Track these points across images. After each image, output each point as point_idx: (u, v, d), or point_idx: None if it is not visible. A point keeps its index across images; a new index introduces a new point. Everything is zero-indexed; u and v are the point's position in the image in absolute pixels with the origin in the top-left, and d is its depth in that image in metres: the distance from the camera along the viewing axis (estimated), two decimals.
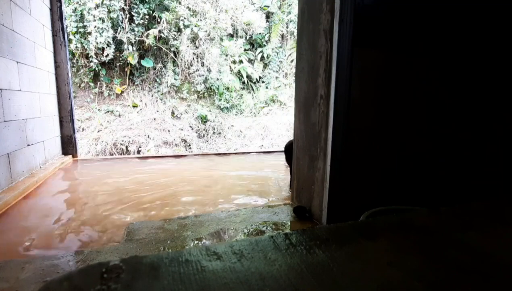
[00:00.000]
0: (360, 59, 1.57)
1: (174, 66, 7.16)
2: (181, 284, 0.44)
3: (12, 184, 2.53)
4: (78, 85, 6.55)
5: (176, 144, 6.35)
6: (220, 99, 7.45)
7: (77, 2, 6.16)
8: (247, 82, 7.95)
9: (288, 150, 2.57)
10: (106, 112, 6.47)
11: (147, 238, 1.61)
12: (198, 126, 6.84)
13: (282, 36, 8.34)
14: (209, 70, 7.28)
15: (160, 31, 6.78)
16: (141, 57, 6.91)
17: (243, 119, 7.46)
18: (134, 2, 6.57)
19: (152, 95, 6.96)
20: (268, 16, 8.25)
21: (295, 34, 7.04)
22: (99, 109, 6.44)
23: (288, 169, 2.60)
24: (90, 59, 6.35)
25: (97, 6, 6.18)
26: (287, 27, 8.29)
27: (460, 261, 0.53)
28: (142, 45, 6.82)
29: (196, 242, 1.59)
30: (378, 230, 0.64)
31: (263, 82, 8.21)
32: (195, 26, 7.03)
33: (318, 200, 1.77)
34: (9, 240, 1.82)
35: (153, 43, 6.74)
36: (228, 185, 2.83)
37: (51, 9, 3.57)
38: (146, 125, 6.40)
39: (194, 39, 7.23)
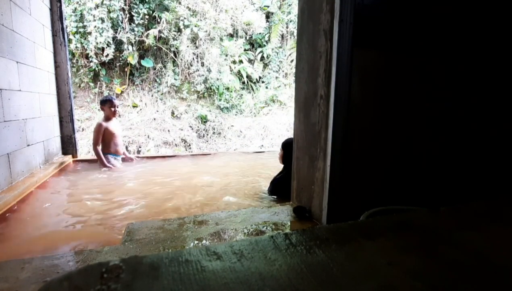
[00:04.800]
0: (360, 59, 1.57)
1: (174, 66, 7.16)
2: (181, 284, 0.44)
3: (12, 184, 2.53)
4: (78, 85, 6.55)
5: (176, 145, 6.35)
6: (220, 99, 7.45)
7: (77, 2, 6.16)
8: (247, 82, 7.95)
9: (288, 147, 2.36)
10: None
11: (147, 238, 1.61)
12: (198, 126, 6.84)
13: (282, 36, 8.33)
14: (209, 70, 7.28)
15: (160, 31, 6.78)
16: (141, 57, 6.91)
17: (243, 119, 7.45)
18: (134, 2, 6.57)
19: (152, 95, 6.96)
20: (268, 16, 8.25)
21: (295, 34, 7.04)
22: (99, 110, 6.44)
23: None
24: (90, 59, 6.35)
25: (97, 6, 6.18)
26: (287, 27, 8.29)
27: (460, 261, 0.53)
28: (142, 45, 6.82)
29: (196, 242, 1.59)
30: (378, 230, 0.64)
31: (263, 82, 8.21)
32: (195, 26, 7.02)
33: (318, 200, 1.77)
34: (9, 239, 1.82)
35: (153, 43, 6.74)
36: None
37: (51, 9, 3.57)
38: (146, 125, 6.40)
39: (194, 39, 7.22)
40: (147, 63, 6.87)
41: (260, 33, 8.07)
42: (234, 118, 7.40)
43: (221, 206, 2.36)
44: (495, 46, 1.84)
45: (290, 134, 7.09)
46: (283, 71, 8.39)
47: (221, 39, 7.58)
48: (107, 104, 3.63)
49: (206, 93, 7.39)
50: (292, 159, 2.14)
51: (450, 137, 1.85)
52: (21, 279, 1.22)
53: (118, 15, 6.36)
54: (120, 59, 6.66)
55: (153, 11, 6.75)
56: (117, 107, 3.74)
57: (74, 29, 6.18)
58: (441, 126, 1.82)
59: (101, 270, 0.45)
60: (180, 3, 6.94)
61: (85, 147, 5.75)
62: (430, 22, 1.68)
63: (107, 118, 3.65)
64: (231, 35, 7.86)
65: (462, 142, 1.89)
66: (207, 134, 6.86)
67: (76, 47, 6.24)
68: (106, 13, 6.25)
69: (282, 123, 7.40)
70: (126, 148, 5.95)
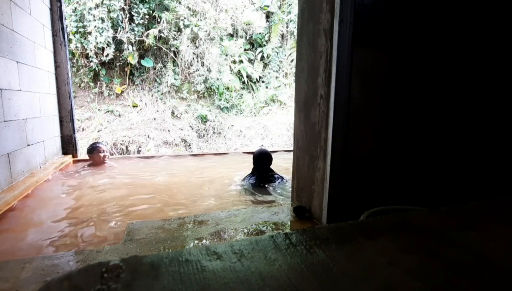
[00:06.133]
0: (360, 59, 1.57)
1: (174, 66, 7.16)
2: (181, 284, 0.44)
3: (12, 184, 2.53)
4: (78, 85, 6.55)
5: (176, 144, 6.35)
6: (220, 99, 7.45)
7: (77, 2, 6.16)
8: (247, 82, 7.95)
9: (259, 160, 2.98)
10: (106, 112, 6.47)
11: (147, 237, 1.61)
12: (198, 126, 6.84)
13: (282, 36, 8.33)
14: (209, 70, 7.28)
15: (160, 31, 6.78)
16: (141, 57, 6.91)
17: (243, 119, 7.45)
18: (134, 2, 6.56)
19: (152, 95, 6.96)
20: (268, 16, 8.24)
21: (295, 34, 7.04)
22: (99, 109, 6.44)
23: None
24: (90, 59, 6.35)
25: (97, 6, 6.17)
26: (287, 27, 8.29)
27: (460, 261, 0.53)
28: (142, 45, 6.82)
29: (196, 241, 1.59)
30: (378, 230, 0.64)
31: (263, 82, 8.21)
32: (195, 26, 7.02)
33: (318, 200, 1.77)
34: (9, 239, 1.82)
35: (153, 43, 6.74)
36: None
37: (51, 9, 3.57)
38: (146, 125, 6.40)
39: (194, 39, 7.22)
40: (147, 63, 6.87)
41: (260, 33, 8.06)
42: (234, 118, 7.40)
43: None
44: (496, 46, 1.84)
45: (290, 134, 7.11)
46: (283, 71, 8.39)
47: (221, 39, 7.58)
48: (94, 151, 3.45)
49: (206, 93, 7.39)
50: (293, 158, 2.15)
51: (450, 137, 1.85)
52: (21, 279, 1.23)
53: (118, 15, 6.36)
54: (120, 59, 6.66)
55: (153, 11, 6.75)
56: (106, 152, 3.52)
57: (74, 29, 6.18)
58: (441, 126, 1.82)
59: (101, 270, 0.45)
60: (180, 3, 6.94)
61: (85, 146, 5.73)
62: (430, 21, 1.68)
63: (93, 165, 3.45)
64: (231, 35, 7.86)
65: (462, 142, 1.89)
66: (207, 134, 6.86)
67: (76, 47, 6.24)
68: (106, 13, 6.25)
69: (282, 123, 7.39)
70: (126, 147, 5.96)
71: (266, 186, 2.78)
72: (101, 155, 3.47)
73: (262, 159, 2.98)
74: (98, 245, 1.70)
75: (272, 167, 3.04)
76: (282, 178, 2.92)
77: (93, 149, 3.51)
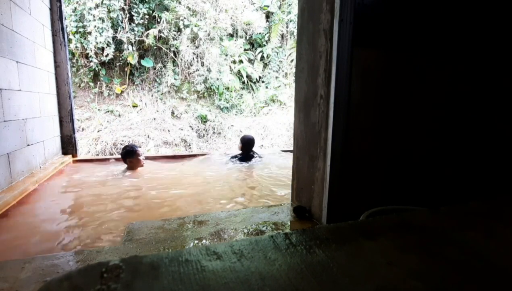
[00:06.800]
0: (360, 59, 1.57)
1: (174, 66, 7.16)
2: (181, 284, 0.44)
3: (12, 184, 2.53)
4: (78, 85, 6.54)
5: (176, 144, 6.35)
6: (220, 99, 7.45)
7: (77, 2, 6.15)
8: (247, 82, 7.95)
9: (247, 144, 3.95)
10: (106, 112, 6.47)
11: (147, 237, 1.61)
12: (198, 126, 6.84)
13: (282, 36, 8.33)
14: (209, 70, 7.28)
15: (160, 31, 6.78)
16: (141, 57, 6.91)
17: (243, 119, 7.45)
18: (134, 1, 6.56)
19: (152, 95, 6.96)
20: (268, 16, 8.24)
21: (295, 34, 7.03)
22: (99, 109, 6.43)
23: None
24: (90, 59, 6.34)
25: (97, 6, 6.17)
26: (287, 27, 8.29)
27: (460, 261, 0.53)
28: (142, 45, 6.82)
29: (196, 241, 1.59)
30: (378, 230, 0.64)
31: (263, 82, 8.20)
32: (195, 26, 7.02)
33: (318, 200, 1.77)
34: (9, 239, 1.82)
35: (153, 43, 6.73)
36: None
37: (51, 9, 3.57)
38: (146, 125, 6.39)
39: (194, 39, 7.22)
40: (147, 63, 6.86)
41: (260, 33, 8.06)
42: (234, 118, 7.40)
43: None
44: (498, 45, 1.84)
45: (290, 134, 7.10)
46: (283, 71, 8.39)
47: (221, 39, 7.58)
48: (135, 155, 3.27)
49: (206, 93, 7.38)
50: (292, 158, 2.15)
51: (451, 137, 1.85)
52: (21, 279, 1.23)
53: (118, 15, 6.36)
54: (120, 59, 6.66)
55: (153, 11, 6.75)
56: (143, 154, 3.40)
57: (74, 29, 6.17)
58: (442, 126, 1.82)
59: (101, 270, 0.45)
60: (180, 3, 6.94)
61: (85, 146, 5.75)
62: (430, 21, 1.68)
63: (130, 169, 3.32)
64: (231, 35, 7.85)
65: (462, 142, 1.89)
66: (207, 134, 6.85)
67: (76, 47, 6.24)
68: (106, 13, 6.25)
69: (282, 123, 7.39)
70: None
71: (248, 161, 3.84)
72: (141, 158, 3.33)
73: (247, 143, 3.99)
74: (98, 245, 1.70)
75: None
76: (260, 157, 3.96)
77: (133, 153, 3.29)
